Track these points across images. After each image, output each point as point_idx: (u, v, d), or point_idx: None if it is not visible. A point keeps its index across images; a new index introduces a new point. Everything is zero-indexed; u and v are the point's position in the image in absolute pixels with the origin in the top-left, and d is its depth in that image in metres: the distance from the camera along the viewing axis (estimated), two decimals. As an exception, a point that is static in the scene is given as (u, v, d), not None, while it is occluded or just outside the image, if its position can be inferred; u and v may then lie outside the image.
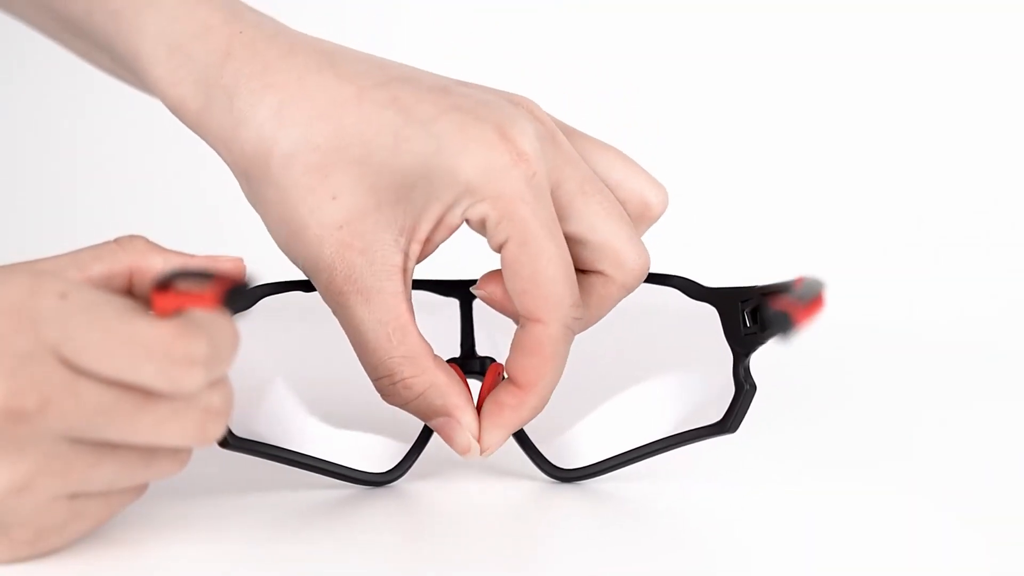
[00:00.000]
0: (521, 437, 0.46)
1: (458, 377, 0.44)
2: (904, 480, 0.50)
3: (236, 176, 0.44)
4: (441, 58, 0.67)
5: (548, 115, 0.44)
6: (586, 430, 0.47)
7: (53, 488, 0.35)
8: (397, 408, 0.44)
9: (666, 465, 0.47)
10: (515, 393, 0.43)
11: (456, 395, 0.43)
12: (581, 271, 0.44)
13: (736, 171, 0.99)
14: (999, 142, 0.96)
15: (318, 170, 0.42)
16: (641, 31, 1.00)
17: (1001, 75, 0.96)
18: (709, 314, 0.46)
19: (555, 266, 0.42)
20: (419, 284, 0.46)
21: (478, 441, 0.44)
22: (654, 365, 0.47)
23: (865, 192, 0.97)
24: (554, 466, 0.46)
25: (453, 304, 0.47)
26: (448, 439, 0.44)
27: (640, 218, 0.45)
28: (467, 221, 0.43)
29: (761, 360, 0.45)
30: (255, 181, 0.43)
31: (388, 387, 0.43)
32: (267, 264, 0.46)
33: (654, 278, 0.46)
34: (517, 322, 0.43)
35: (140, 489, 0.39)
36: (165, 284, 0.34)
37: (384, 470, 0.46)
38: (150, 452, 0.37)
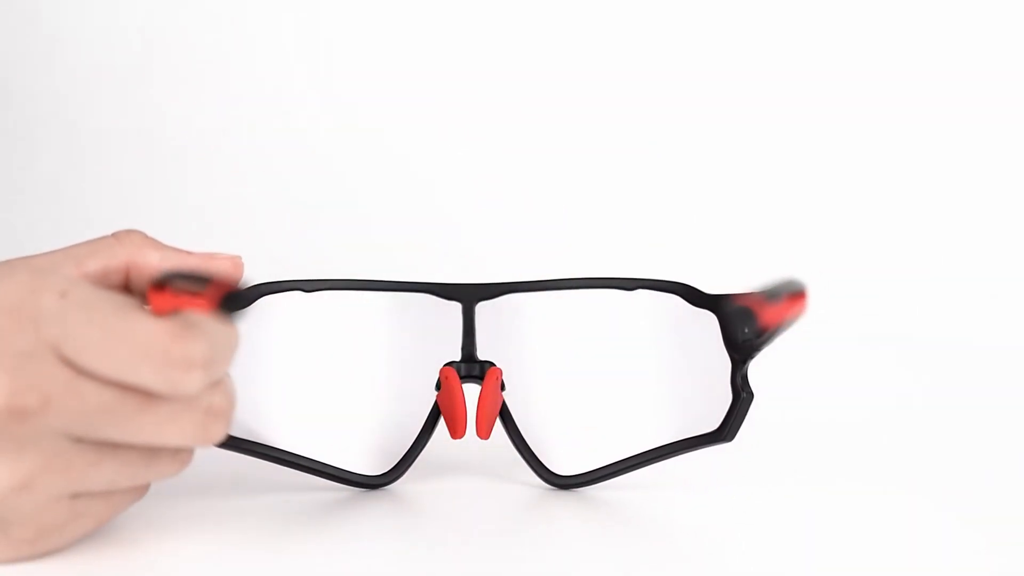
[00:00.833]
0: (519, 443, 0.46)
1: None
2: (904, 480, 0.50)
3: None
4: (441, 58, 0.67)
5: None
6: (584, 437, 0.47)
7: (54, 487, 0.35)
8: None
9: (663, 473, 0.47)
10: None
11: None
12: None
13: (737, 172, 0.99)
14: (999, 142, 0.96)
15: None
16: (640, 34, 1.00)
17: (1001, 75, 0.96)
18: (709, 321, 0.45)
19: None
20: (421, 287, 0.46)
21: None
22: (653, 372, 0.46)
23: (865, 192, 0.97)
24: (552, 472, 0.46)
25: (455, 308, 0.46)
26: None
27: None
28: None
29: (759, 366, 0.45)
30: None
31: None
32: (265, 262, 0.46)
33: (654, 284, 0.46)
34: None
35: (142, 489, 0.39)
36: (161, 285, 0.34)
37: (380, 473, 0.46)
38: (152, 452, 0.37)
